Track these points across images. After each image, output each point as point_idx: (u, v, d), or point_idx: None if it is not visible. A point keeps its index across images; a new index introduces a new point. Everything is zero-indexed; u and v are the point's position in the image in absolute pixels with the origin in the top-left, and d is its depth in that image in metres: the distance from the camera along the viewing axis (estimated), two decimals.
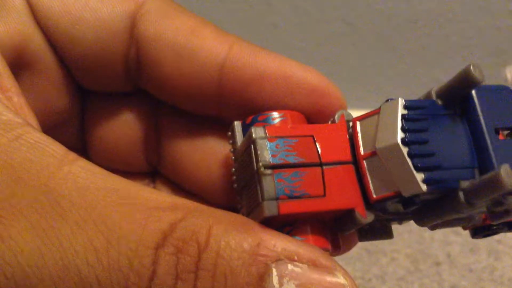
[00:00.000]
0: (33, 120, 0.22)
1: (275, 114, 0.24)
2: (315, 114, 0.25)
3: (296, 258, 0.19)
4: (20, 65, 0.24)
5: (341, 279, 0.19)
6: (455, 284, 0.50)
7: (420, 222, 0.23)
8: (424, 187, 0.20)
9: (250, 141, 0.22)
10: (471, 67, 0.21)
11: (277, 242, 0.19)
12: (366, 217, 0.22)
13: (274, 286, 0.18)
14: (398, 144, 0.21)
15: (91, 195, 0.18)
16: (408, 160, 0.20)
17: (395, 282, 0.50)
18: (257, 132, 0.22)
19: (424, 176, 0.20)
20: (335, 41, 0.58)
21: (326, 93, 0.25)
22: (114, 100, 0.28)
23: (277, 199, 0.21)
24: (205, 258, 0.18)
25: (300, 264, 0.19)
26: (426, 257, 0.51)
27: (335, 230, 0.23)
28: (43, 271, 0.18)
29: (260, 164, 0.21)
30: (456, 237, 0.52)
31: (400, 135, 0.21)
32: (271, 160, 0.21)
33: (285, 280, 0.18)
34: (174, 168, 0.27)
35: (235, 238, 0.19)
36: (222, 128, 0.26)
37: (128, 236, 0.18)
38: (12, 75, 0.22)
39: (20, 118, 0.20)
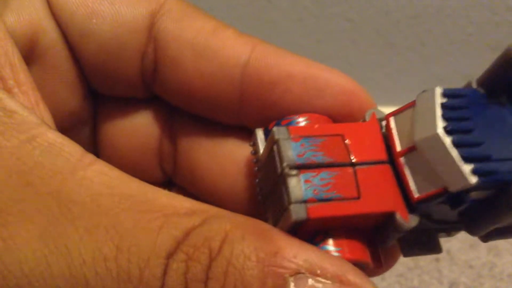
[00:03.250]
0: (48, 117, 0.21)
1: (299, 118, 0.22)
2: (343, 117, 0.23)
3: (319, 272, 0.17)
4: (31, 59, 0.23)
5: None
6: (455, 281, 0.50)
7: (472, 229, 0.20)
8: (473, 179, 0.18)
9: (272, 143, 0.20)
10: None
11: (299, 253, 0.17)
12: (409, 220, 0.19)
13: None
14: (439, 134, 0.18)
15: (105, 201, 0.17)
16: (453, 150, 0.18)
17: (395, 279, 0.50)
18: (280, 132, 0.20)
19: (473, 167, 0.18)
20: (335, 38, 0.58)
21: (355, 95, 0.23)
22: (128, 106, 0.26)
23: (305, 201, 0.18)
24: (215, 266, 0.16)
25: (323, 280, 0.16)
26: None
27: (375, 244, 0.20)
28: (49, 283, 0.16)
29: (285, 164, 0.19)
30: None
31: (440, 124, 0.18)
32: (296, 160, 0.19)
33: None
34: (191, 178, 0.26)
35: (250, 245, 0.17)
36: (243, 136, 0.25)
37: (140, 244, 0.17)
38: (27, 68, 0.21)
39: (35, 117, 0.19)
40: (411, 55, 0.60)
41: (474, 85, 0.20)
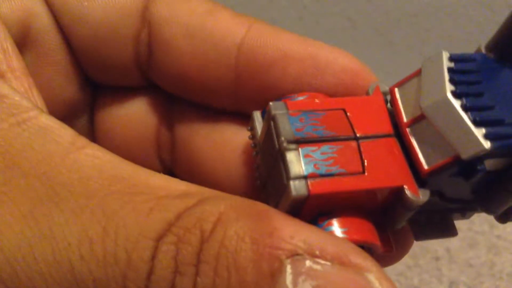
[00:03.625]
0: (41, 104, 0.20)
1: (299, 97, 0.21)
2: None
3: (318, 253, 0.15)
4: (24, 45, 0.22)
5: (374, 283, 0.15)
6: (455, 279, 0.50)
7: (488, 207, 0.19)
8: (487, 144, 0.16)
9: (269, 119, 0.19)
10: None
11: (297, 233, 0.15)
12: (419, 195, 0.18)
13: (287, 286, 0.15)
14: (448, 98, 0.17)
15: (94, 184, 0.16)
16: (463, 114, 0.17)
17: (395, 278, 0.49)
18: (276, 106, 0.19)
19: (485, 132, 0.17)
20: (335, 36, 0.58)
21: (357, 73, 0.22)
22: (125, 96, 0.26)
23: (305, 177, 0.17)
24: (206, 249, 0.15)
25: (322, 261, 0.15)
26: (425, 252, 0.51)
27: (385, 226, 0.19)
28: (33, 267, 0.15)
29: (282, 138, 0.18)
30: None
31: (449, 87, 0.17)
32: (294, 134, 0.18)
33: (300, 280, 0.15)
34: (190, 166, 0.25)
35: (244, 226, 0.15)
36: (241, 122, 0.24)
37: (128, 226, 0.15)
38: (20, 54, 0.21)
39: (27, 101, 0.18)
40: (411, 54, 0.60)
41: (483, 50, 0.19)
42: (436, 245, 0.52)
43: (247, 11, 0.55)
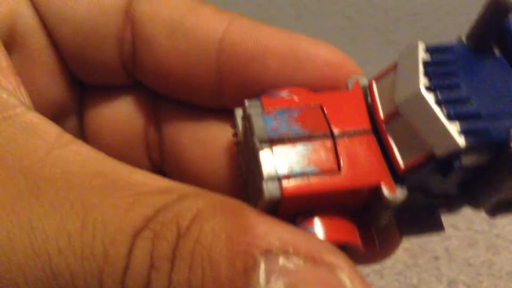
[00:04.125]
0: (29, 103, 0.20)
1: (280, 93, 0.21)
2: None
3: (291, 250, 0.15)
4: (10, 46, 0.23)
5: (344, 281, 0.15)
6: (454, 279, 0.50)
7: (474, 201, 0.18)
8: (461, 140, 0.16)
9: (245, 119, 0.18)
10: None
11: (271, 230, 0.15)
12: (396, 193, 0.17)
13: (260, 284, 0.15)
14: (420, 92, 0.16)
15: (75, 178, 0.16)
16: (437, 108, 0.16)
17: (394, 277, 0.49)
18: (251, 105, 0.18)
19: (460, 127, 0.16)
20: (334, 35, 0.58)
21: (340, 66, 0.22)
22: (112, 94, 0.26)
23: (279, 178, 0.17)
24: (182, 245, 0.15)
25: (295, 259, 0.15)
26: (424, 252, 0.51)
27: (368, 225, 0.19)
28: (11, 258, 0.15)
29: (255, 138, 0.17)
30: (454, 232, 0.52)
31: (422, 81, 0.16)
32: (268, 133, 0.17)
33: (273, 277, 0.15)
34: (177, 165, 0.25)
35: (220, 223, 0.15)
36: (226, 119, 0.24)
37: (107, 220, 0.15)
38: (7, 53, 0.21)
39: (15, 99, 0.18)
40: None
41: (464, 40, 0.18)
42: (435, 245, 0.52)
43: (245, 10, 0.55)
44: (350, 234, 0.18)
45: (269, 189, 0.17)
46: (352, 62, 0.22)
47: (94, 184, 0.16)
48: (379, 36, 0.58)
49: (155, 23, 0.23)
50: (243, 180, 0.20)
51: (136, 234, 0.15)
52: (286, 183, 0.17)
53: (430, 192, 0.18)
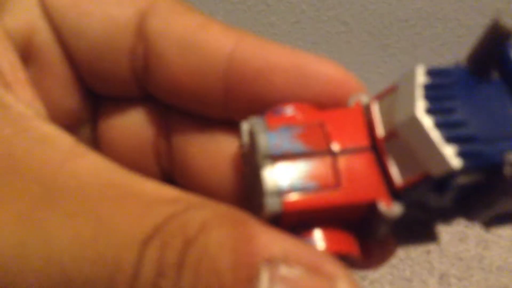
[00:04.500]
0: (44, 113, 0.20)
1: (284, 109, 0.21)
2: (332, 107, 0.22)
3: (292, 260, 0.15)
4: (26, 59, 0.23)
5: None
6: (445, 272, 0.50)
7: (469, 216, 0.18)
8: (456, 162, 0.16)
9: (250, 135, 0.19)
10: (499, 17, 0.17)
11: (273, 241, 0.16)
12: (392, 209, 0.17)
13: None
14: (419, 115, 0.16)
15: (89, 189, 0.17)
16: (433, 132, 0.16)
17: (387, 270, 0.50)
18: (255, 123, 0.19)
19: (456, 150, 0.16)
20: (331, 40, 0.59)
21: (344, 83, 0.22)
22: (125, 106, 0.26)
23: (280, 193, 0.17)
24: (189, 254, 0.16)
25: (296, 268, 0.16)
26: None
27: (365, 236, 0.19)
28: (26, 265, 0.16)
29: (259, 155, 0.18)
30: (445, 226, 0.52)
31: (420, 104, 0.17)
32: (271, 150, 0.18)
33: (275, 286, 0.15)
34: (185, 175, 0.25)
35: (226, 233, 0.16)
36: (235, 131, 0.24)
37: (119, 229, 0.16)
38: (23, 67, 0.21)
39: (31, 111, 0.19)
40: (403, 57, 0.60)
41: (463, 63, 0.18)
42: None
43: (245, 16, 0.55)
44: (350, 245, 0.18)
45: (271, 204, 0.17)
46: (354, 78, 0.22)
47: (107, 195, 0.17)
48: (373, 40, 0.59)
49: (166, 39, 0.23)
50: (248, 193, 0.21)
51: (146, 243, 0.16)
52: (287, 199, 0.17)
53: (427, 207, 0.18)
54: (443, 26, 0.58)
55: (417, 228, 0.20)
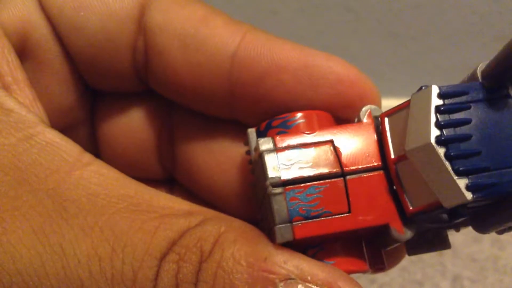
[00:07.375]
0: (44, 116, 0.21)
1: (292, 117, 0.21)
2: (343, 108, 0.22)
3: (309, 278, 0.16)
4: (23, 55, 0.23)
5: None
6: (458, 274, 0.49)
7: (480, 229, 0.19)
8: (468, 196, 0.16)
9: (258, 154, 0.19)
10: None
11: (289, 259, 0.17)
12: (404, 233, 0.18)
13: None
14: (431, 144, 0.17)
15: (101, 201, 0.17)
16: (446, 163, 0.17)
17: (398, 272, 0.49)
18: (264, 144, 0.19)
19: (468, 182, 0.17)
20: (337, 28, 0.58)
21: (355, 83, 0.22)
22: (125, 102, 0.26)
23: (290, 222, 0.18)
24: (205, 268, 0.16)
25: (313, 286, 0.16)
26: None
27: (376, 246, 0.20)
28: (43, 281, 0.16)
29: (268, 182, 0.18)
30: None
31: (434, 132, 0.17)
32: (281, 176, 0.18)
33: None
34: (189, 173, 0.25)
35: (241, 249, 0.16)
36: (239, 131, 0.24)
37: (135, 245, 0.16)
38: (21, 64, 0.21)
39: (33, 115, 0.18)
40: (414, 46, 0.59)
41: (479, 76, 0.18)
42: None
43: (248, 3, 0.55)
44: (358, 264, 0.19)
45: (282, 232, 0.18)
46: (365, 77, 0.22)
47: (120, 208, 0.17)
48: (382, 29, 0.58)
49: (167, 34, 0.23)
50: (256, 202, 0.21)
51: (163, 258, 0.16)
52: (297, 226, 0.18)
53: (436, 222, 0.19)
54: (456, 13, 0.57)
55: (429, 236, 0.21)
